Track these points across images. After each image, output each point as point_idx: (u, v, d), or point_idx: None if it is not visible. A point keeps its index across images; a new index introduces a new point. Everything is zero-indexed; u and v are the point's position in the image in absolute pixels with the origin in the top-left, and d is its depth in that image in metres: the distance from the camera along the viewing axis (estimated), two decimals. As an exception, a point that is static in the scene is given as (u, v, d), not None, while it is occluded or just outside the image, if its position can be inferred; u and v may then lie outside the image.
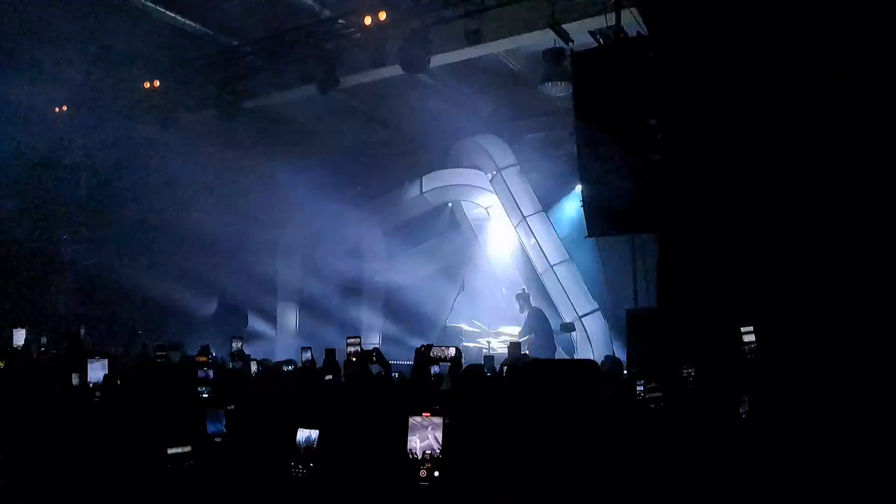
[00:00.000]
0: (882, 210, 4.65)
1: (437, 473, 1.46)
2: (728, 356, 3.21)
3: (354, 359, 4.79)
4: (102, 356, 3.54)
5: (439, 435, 1.50)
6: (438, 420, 1.49)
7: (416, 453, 1.47)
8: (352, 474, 2.79)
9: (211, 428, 3.14)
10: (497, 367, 7.15)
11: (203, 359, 6.60)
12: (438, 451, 1.49)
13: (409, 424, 1.50)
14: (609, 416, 3.22)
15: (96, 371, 3.45)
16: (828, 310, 4.80)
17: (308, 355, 6.94)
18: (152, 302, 12.32)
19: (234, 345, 7.96)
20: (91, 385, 3.43)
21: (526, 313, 10.58)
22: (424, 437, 1.50)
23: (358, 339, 6.40)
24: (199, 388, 4.56)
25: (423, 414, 1.49)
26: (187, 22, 9.31)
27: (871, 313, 4.41)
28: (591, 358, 10.23)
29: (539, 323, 10.35)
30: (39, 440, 3.10)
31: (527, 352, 8.90)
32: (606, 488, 1.71)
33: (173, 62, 10.11)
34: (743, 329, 3.10)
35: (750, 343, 3.07)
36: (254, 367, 6.97)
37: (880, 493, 2.81)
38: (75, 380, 4.69)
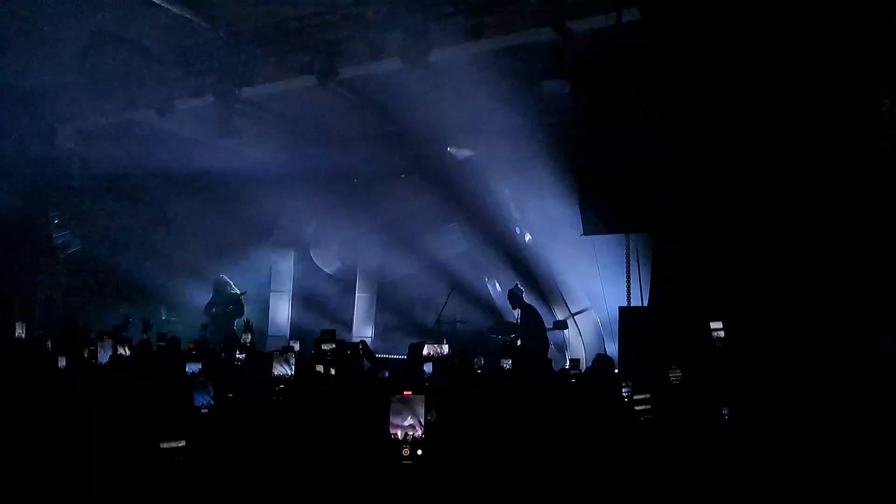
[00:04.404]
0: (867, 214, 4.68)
1: (419, 452, 1.46)
2: (708, 353, 3.25)
3: (328, 351, 4.72)
4: (110, 336, 3.58)
5: (421, 415, 1.50)
6: (420, 399, 1.49)
7: (398, 433, 1.47)
8: (336, 456, 2.80)
9: (198, 400, 3.15)
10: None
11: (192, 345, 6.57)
12: (421, 430, 1.49)
13: (391, 405, 1.49)
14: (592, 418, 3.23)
15: (105, 352, 3.51)
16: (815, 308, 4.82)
17: (298, 346, 6.91)
18: (144, 289, 12.27)
19: (244, 338, 7.67)
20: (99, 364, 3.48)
21: (518, 311, 10.57)
22: (406, 417, 1.49)
23: (332, 332, 5.98)
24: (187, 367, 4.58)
25: (405, 393, 1.49)
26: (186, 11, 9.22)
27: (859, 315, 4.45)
28: (578, 356, 10.27)
29: (535, 320, 10.36)
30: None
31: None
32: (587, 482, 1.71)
33: (171, 49, 10.03)
34: (712, 324, 3.19)
35: (719, 337, 3.16)
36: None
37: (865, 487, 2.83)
38: (62, 362, 4.70)
